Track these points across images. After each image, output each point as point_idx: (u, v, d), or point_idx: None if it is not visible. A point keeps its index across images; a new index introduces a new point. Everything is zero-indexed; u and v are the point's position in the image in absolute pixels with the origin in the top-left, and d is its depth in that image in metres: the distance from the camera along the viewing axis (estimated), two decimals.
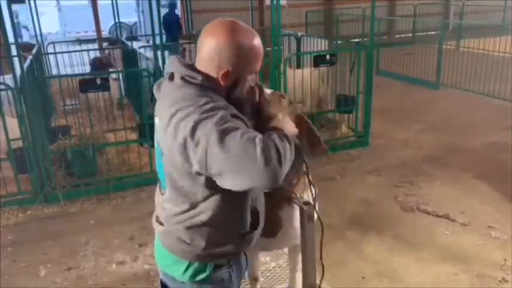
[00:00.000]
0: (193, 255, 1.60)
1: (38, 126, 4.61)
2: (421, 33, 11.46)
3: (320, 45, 6.71)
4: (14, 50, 4.73)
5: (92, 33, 11.99)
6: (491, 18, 13.98)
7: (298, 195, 2.03)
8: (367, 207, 4.44)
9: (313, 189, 1.96)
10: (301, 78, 5.85)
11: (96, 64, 7.53)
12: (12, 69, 4.42)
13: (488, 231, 3.90)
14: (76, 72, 7.87)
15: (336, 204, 4.41)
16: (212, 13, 11.07)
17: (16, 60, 4.54)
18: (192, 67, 1.54)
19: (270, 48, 5.66)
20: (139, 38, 11.69)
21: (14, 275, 3.60)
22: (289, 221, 2.18)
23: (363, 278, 3.38)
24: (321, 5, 13.06)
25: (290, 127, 1.64)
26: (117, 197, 4.84)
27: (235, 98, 1.55)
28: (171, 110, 1.44)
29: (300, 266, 2.29)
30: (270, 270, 2.79)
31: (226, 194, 1.45)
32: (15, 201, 4.67)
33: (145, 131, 5.14)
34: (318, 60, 5.54)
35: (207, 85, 1.50)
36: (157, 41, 4.97)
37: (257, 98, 1.66)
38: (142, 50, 7.31)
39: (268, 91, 1.83)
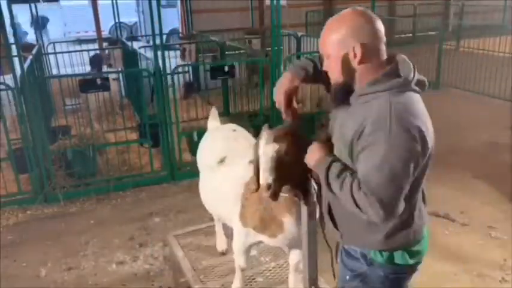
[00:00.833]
0: None
1: (38, 126, 4.61)
2: (421, 33, 11.44)
3: None
4: (14, 50, 4.74)
5: (92, 33, 11.99)
6: (491, 18, 13.95)
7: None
8: None
9: (315, 186, 1.96)
10: None
11: (95, 61, 7.56)
12: (12, 69, 4.42)
13: (488, 231, 3.91)
14: (76, 72, 7.87)
15: None
16: (212, 13, 11.07)
17: (16, 60, 4.55)
18: None
19: (270, 48, 5.66)
20: (139, 38, 11.70)
21: (14, 275, 3.60)
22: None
23: None
24: (321, 5, 13.01)
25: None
26: (117, 197, 4.84)
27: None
28: None
29: (300, 265, 2.29)
30: (270, 270, 2.78)
31: None
32: (15, 201, 4.67)
33: (146, 131, 5.14)
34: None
35: None
36: (157, 41, 4.97)
37: None
38: (142, 50, 7.30)
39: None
